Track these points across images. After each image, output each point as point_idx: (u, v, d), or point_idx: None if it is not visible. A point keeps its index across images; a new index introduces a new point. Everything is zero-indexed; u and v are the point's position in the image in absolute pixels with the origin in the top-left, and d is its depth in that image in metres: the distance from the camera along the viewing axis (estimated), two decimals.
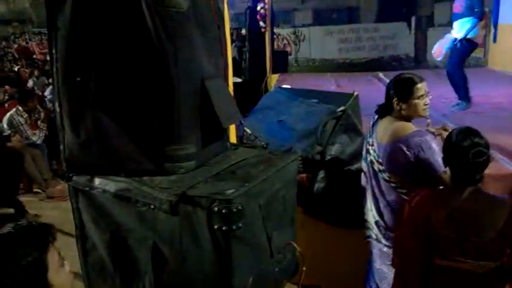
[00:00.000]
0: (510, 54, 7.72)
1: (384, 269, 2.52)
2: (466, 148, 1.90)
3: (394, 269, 2.30)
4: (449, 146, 1.99)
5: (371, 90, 5.57)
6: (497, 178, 2.86)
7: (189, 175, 1.94)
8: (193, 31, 1.96)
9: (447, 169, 2.13)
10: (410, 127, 2.38)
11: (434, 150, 2.26)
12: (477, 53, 9.68)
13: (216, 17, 2.23)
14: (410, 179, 2.35)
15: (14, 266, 1.17)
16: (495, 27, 8.22)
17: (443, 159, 2.06)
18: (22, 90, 6.75)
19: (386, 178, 2.42)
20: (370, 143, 2.52)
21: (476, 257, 1.91)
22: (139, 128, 1.92)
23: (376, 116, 2.55)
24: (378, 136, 2.48)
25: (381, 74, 7.39)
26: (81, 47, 1.90)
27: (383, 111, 2.49)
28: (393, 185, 2.41)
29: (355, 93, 3.34)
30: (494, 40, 8.24)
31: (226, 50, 2.39)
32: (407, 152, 2.29)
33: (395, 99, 2.39)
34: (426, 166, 2.27)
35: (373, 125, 2.55)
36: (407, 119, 2.41)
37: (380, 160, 2.44)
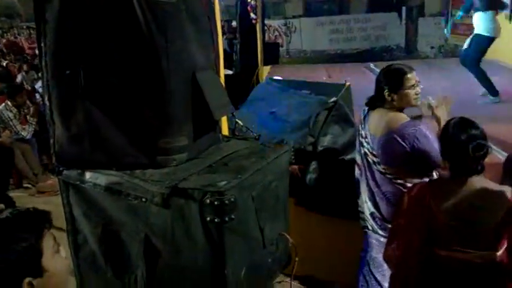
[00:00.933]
0: (499, 42, 7.73)
1: (380, 257, 2.53)
2: (465, 142, 1.88)
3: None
4: (447, 139, 1.98)
5: (362, 80, 5.55)
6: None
7: (181, 168, 1.94)
8: (184, 23, 1.95)
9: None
10: (403, 117, 2.37)
11: (430, 138, 2.25)
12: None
13: (207, 8, 2.21)
14: (407, 169, 2.36)
15: (9, 251, 1.17)
16: None
17: (441, 152, 2.05)
18: (11, 85, 6.67)
19: (382, 170, 2.43)
20: (363, 135, 2.51)
21: (476, 246, 1.91)
22: (131, 121, 1.90)
23: (367, 108, 2.55)
24: (371, 128, 2.47)
25: (372, 65, 7.39)
26: (71, 40, 1.88)
27: (374, 103, 2.49)
28: (389, 176, 2.41)
29: (347, 84, 3.34)
30: None
31: (217, 42, 2.37)
32: (403, 143, 2.28)
33: (386, 90, 2.38)
34: (423, 155, 2.27)
35: (365, 117, 2.55)
36: (399, 109, 2.40)
37: (374, 152, 2.44)
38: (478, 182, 1.93)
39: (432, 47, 11.02)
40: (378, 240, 2.54)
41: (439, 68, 7.18)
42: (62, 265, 1.32)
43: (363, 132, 2.52)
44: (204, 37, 2.12)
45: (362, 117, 2.57)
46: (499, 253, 1.91)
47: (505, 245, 1.92)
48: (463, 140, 1.89)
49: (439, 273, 2.02)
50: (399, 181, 2.38)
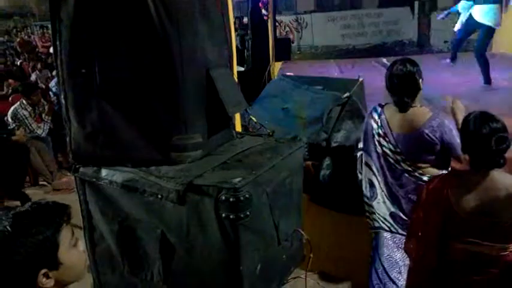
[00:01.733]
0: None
1: (396, 256, 2.52)
2: (487, 136, 1.88)
3: (406, 257, 2.30)
4: (468, 134, 1.97)
5: (375, 76, 5.52)
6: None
7: (195, 164, 1.94)
8: (198, 19, 1.95)
9: None
10: (427, 111, 2.42)
11: (453, 130, 2.33)
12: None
13: (220, 4, 2.21)
14: (434, 164, 2.41)
15: (26, 244, 1.19)
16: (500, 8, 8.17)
17: (462, 146, 2.05)
18: (26, 84, 6.74)
19: (407, 168, 2.42)
20: (382, 134, 2.49)
21: (492, 239, 1.91)
22: (145, 118, 1.92)
23: (379, 108, 2.54)
24: (393, 126, 2.46)
25: (384, 60, 7.33)
26: (85, 38, 1.89)
27: (400, 94, 2.45)
28: (415, 174, 2.41)
29: (360, 79, 3.32)
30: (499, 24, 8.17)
31: (230, 39, 2.37)
32: (433, 137, 2.34)
33: (421, 80, 2.42)
34: (449, 147, 2.35)
35: (379, 115, 2.52)
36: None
37: (398, 150, 2.43)
38: (499, 175, 1.92)
39: (446, 41, 10.88)
40: (393, 240, 2.53)
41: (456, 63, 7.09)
42: (79, 259, 1.34)
43: (380, 131, 2.49)
44: (218, 34, 2.12)
45: (376, 116, 2.54)
46: None
47: None
48: (485, 133, 1.89)
49: (456, 267, 2.01)
50: (424, 178, 2.38)
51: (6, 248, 1.17)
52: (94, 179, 2.02)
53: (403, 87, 2.40)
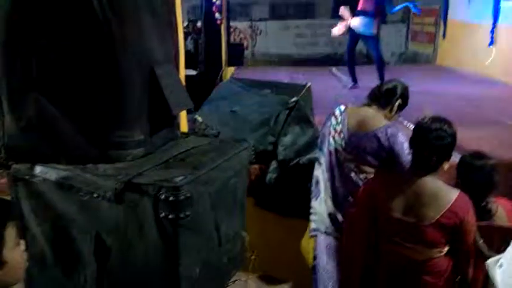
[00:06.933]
0: (459, 50, 8.02)
1: (330, 267, 2.53)
2: (431, 130, 1.94)
3: (339, 266, 2.33)
4: (418, 126, 2.04)
5: (324, 84, 5.64)
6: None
7: (136, 163, 1.89)
8: (143, 14, 1.90)
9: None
10: (385, 119, 2.49)
11: (404, 145, 2.36)
12: (426, 50, 10.03)
13: (168, 2, 2.17)
14: (379, 168, 2.44)
15: None
16: (445, 23, 8.58)
17: (410, 140, 2.10)
18: None
19: (354, 168, 2.46)
20: (337, 130, 2.52)
21: (414, 240, 1.96)
22: (84, 113, 1.84)
23: (343, 107, 2.58)
24: (350, 124, 2.50)
25: (334, 69, 7.49)
26: (22, 28, 1.80)
27: (373, 100, 2.54)
28: (361, 176, 2.45)
29: (308, 84, 3.36)
30: (444, 36, 8.58)
31: (177, 37, 2.33)
32: (383, 141, 2.38)
33: (398, 102, 2.50)
34: (396, 160, 2.38)
35: (341, 113, 2.56)
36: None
37: (349, 149, 2.47)
38: (429, 180, 1.98)
39: (393, 54, 11.25)
40: (329, 246, 2.55)
41: (401, 75, 7.35)
42: (21, 258, 1.28)
43: (337, 127, 2.53)
44: (164, 30, 2.07)
45: (337, 113, 2.58)
46: (438, 253, 1.96)
47: (446, 247, 1.97)
48: (430, 128, 1.95)
49: (384, 269, 2.06)
50: (366, 177, 2.42)
51: None
52: (27, 176, 1.91)
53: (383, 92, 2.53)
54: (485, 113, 4.90)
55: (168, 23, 2.12)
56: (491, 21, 6.99)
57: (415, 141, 2.04)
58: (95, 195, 1.74)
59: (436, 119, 2.00)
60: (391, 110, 2.52)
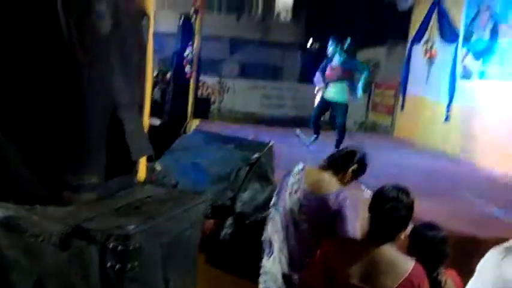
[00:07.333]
0: (416, 124, 8.39)
1: None
2: (389, 199, 1.96)
3: None
4: (376, 194, 2.05)
5: (287, 144, 5.73)
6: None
7: (88, 207, 1.81)
8: (113, 55, 1.89)
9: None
10: (338, 184, 2.51)
11: (354, 211, 2.39)
12: (385, 121, 10.46)
13: (139, 48, 2.18)
14: (329, 231, 2.41)
15: None
16: (403, 97, 9.03)
17: (368, 208, 2.10)
18: None
19: (308, 230, 2.44)
20: (294, 189, 2.52)
21: None
22: (38, 150, 1.77)
23: (301, 165, 2.60)
24: (306, 185, 2.51)
25: (298, 131, 7.65)
26: None
27: (333, 166, 2.57)
28: (317, 237, 2.43)
29: (271, 143, 3.40)
30: (402, 108, 9.00)
31: (144, 83, 2.33)
32: (333, 206, 2.39)
33: (353, 167, 2.54)
34: (343, 222, 2.37)
35: (299, 171, 2.57)
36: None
37: (304, 209, 2.47)
38: (386, 248, 1.98)
39: (354, 122, 11.66)
40: None
41: (360, 143, 7.56)
42: None
43: (295, 186, 2.53)
44: (132, 75, 2.07)
45: (296, 171, 2.59)
46: None
47: None
48: (386, 197, 1.97)
49: None
50: (318, 240, 2.40)
51: None
52: None
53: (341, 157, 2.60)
54: (440, 185, 5.06)
55: (137, 68, 2.12)
56: (447, 99, 7.40)
57: (373, 209, 2.05)
58: (40, 238, 1.64)
59: (394, 188, 2.03)
60: (345, 176, 2.55)
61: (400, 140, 8.54)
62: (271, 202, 2.70)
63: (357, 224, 2.23)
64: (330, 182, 2.50)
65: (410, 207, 2.00)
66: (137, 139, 2.01)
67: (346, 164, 2.55)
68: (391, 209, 1.96)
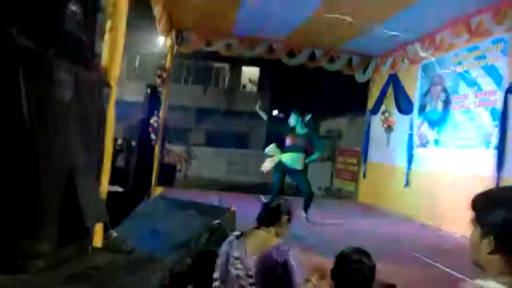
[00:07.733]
0: (378, 190, 8.57)
1: None
2: (351, 262, 2.01)
3: None
4: (339, 257, 2.09)
5: (251, 210, 5.69)
6: None
7: (39, 275, 1.77)
8: (72, 123, 1.94)
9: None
10: (277, 239, 2.58)
11: (294, 263, 2.42)
12: (349, 187, 10.66)
13: (99, 117, 2.24)
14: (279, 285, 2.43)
15: None
16: (365, 163, 9.30)
17: (331, 271, 2.13)
18: None
19: None
20: (237, 257, 2.52)
21: None
22: None
23: (239, 232, 2.64)
24: (249, 249, 2.51)
25: (262, 197, 7.68)
26: None
27: (261, 222, 2.66)
28: None
29: (232, 208, 3.42)
30: (364, 175, 9.24)
31: (103, 150, 2.37)
32: (278, 258, 2.43)
33: (286, 218, 2.67)
34: (288, 274, 2.41)
35: (237, 238, 2.59)
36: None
37: (250, 273, 2.45)
38: None
39: (319, 188, 11.81)
40: None
41: (325, 209, 7.65)
42: None
43: (236, 254, 2.52)
44: (90, 142, 2.11)
45: (233, 239, 2.61)
46: None
47: None
48: (348, 261, 2.02)
49: None
50: None
51: None
52: None
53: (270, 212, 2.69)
54: (401, 249, 5.11)
55: (96, 136, 2.17)
56: (406, 165, 7.66)
57: (336, 271, 2.08)
58: None
59: (356, 251, 2.08)
60: (280, 226, 2.66)
61: (364, 206, 8.66)
62: (214, 275, 2.65)
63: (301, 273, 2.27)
64: (268, 238, 2.57)
65: (372, 269, 2.05)
66: (92, 205, 2.01)
67: (276, 217, 2.66)
68: (355, 270, 2.00)
